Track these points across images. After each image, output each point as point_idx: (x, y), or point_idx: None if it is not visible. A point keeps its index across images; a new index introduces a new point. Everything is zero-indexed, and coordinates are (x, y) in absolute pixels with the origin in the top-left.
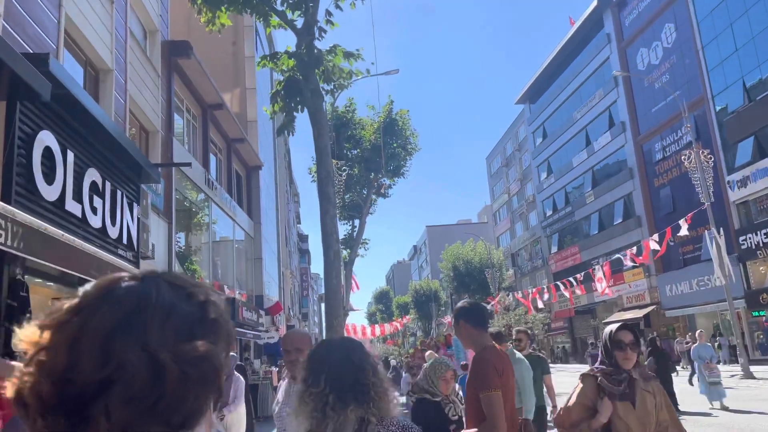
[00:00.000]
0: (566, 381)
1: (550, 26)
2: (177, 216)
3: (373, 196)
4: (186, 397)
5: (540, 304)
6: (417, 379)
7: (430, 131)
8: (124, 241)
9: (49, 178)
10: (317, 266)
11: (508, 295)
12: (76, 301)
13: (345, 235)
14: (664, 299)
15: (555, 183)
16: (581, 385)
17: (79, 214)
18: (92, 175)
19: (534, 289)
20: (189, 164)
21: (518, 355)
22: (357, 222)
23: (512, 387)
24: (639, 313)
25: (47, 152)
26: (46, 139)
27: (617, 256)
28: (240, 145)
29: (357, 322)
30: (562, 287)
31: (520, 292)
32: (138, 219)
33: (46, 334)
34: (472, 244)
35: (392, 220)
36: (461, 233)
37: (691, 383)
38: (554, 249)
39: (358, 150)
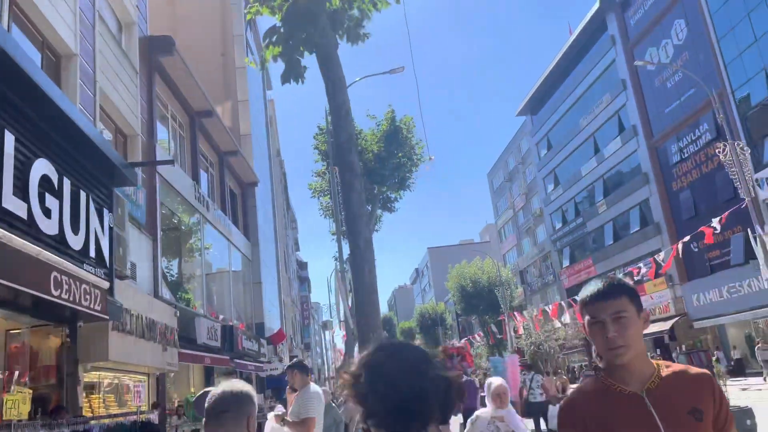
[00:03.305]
0: None
1: (549, 35)
2: (167, 240)
3: (379, 211)
4: (454, 401)
5: (566, 320)
6: None
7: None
8: (92, 254)
9: None
10: (317, 295)
11: (529, 312)
12: (380, 348)
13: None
14: (690, 309)
15: (563, 194)
16: None
17: (25, 216)
18: (43, 167)
19: (552, 306)
20: (172, 162)
21: None
22: None
23: None
24: (664, 326)
25: None
26: None
27: (640, 265)
28: (233, 159)
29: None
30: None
31: (535, 309)
32: (111, 229)
33: (380, 367)
34: (479, 262)
35: (391, 245)
36: (464, 253)
37: None
38: (566, 263)
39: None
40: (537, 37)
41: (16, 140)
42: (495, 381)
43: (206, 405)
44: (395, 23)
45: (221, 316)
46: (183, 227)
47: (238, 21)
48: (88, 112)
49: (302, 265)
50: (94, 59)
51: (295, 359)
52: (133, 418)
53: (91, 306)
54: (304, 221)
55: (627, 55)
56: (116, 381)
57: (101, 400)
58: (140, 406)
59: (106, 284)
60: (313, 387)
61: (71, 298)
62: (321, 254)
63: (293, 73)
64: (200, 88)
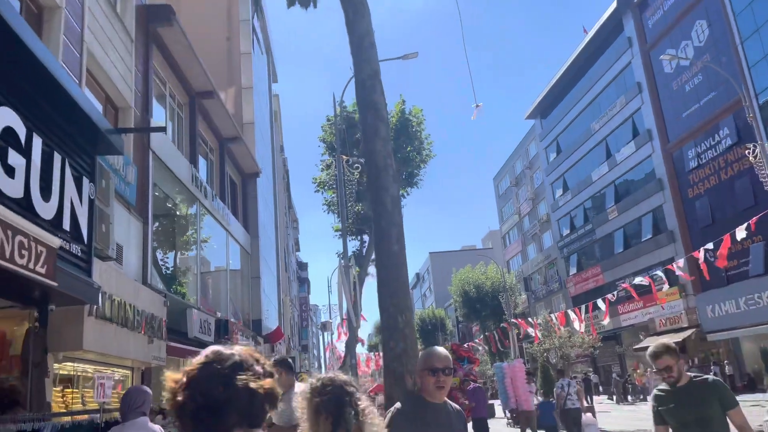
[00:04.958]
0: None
1: (562, 37)
2: (163, 229)
3: None
4: (263, 408)
5: (578, 326)
6: None
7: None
8: (66, 226)
9: None
10: (316, 297)
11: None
12: (205, 357)
13: (354, 250)
14: (704, 321)
15: (572, 200)
16: None
17: None
18: (6, 117)
19: (558, 314)
20: (164, 129)
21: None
22: (367, 238)
23: None
24: (676, 337)
25: None
26: None
27: (656, 272)
28: (235, 147)
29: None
30: (581, 312)
31: (539, 317)
32: (91, 201)
33: (193, 374)
34: (483, 267)
35: None
36: (467, 259)
37: None
38: (573, 270)
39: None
40: (549, 40)
41: None
42: None
43: None
44: (409, 25)
45: (217, 313)
46: (178, 213)
47: (244, 5)
48: (74, 73)
49: (302, 266)
50: (82, 17)
51: (277, 356)
52: (96, 417)
53: (29, 266)
54: (304, 224)
55: (644, 58)
56: (96, 375)
57: (79, 396)
58: (104, 403)
59: (56, 242)
60: (298, 388)
61: None
62: (321, 257)
63: None
64: (201, 65)
